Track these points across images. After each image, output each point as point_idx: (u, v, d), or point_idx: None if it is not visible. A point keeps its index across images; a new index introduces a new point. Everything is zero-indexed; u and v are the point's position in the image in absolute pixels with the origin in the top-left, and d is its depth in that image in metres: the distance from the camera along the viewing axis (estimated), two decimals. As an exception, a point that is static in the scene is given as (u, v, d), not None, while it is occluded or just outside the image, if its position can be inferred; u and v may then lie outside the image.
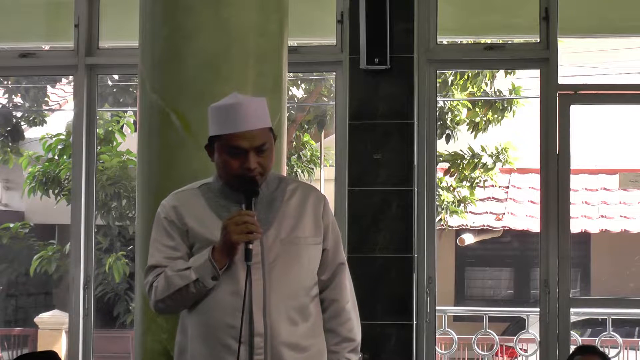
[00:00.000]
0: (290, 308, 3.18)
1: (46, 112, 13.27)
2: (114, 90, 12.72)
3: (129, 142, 11.64)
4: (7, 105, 13.10)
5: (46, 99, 13.31)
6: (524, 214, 13.47)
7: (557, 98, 5.72)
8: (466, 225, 13.15)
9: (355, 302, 3.38)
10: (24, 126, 13.07)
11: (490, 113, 11.59)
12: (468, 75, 11.23)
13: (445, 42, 6.17)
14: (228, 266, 3.14)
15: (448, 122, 11.50)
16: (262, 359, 3.13)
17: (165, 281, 3.17)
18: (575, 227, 12.20)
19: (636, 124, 12.33)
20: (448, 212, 12.04)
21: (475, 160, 11.82)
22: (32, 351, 3.79)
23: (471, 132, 11.61)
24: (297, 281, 3.21)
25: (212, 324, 3.15)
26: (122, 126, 12.02)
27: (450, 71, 10.85)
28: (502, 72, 11.13)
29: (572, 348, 5.86)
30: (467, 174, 11.91)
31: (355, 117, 5.73)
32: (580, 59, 11.42)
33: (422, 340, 5.67)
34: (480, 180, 12.12)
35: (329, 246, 3.31)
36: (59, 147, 11.63)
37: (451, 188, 12.02)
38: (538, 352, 6.55)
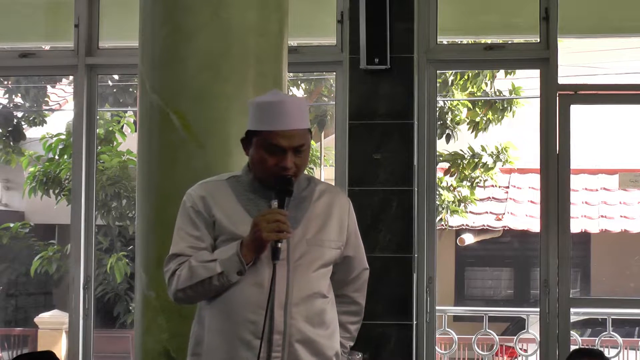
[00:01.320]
0: (310, 308, 3.20)
1: (46, 112, 13.26)
2: (114, 90, 12.72)
3: (129, 142, 11.64)
4: (7, 105, 13.09)
5: (46, 99, 13.30)
6: (524, 214, 13.46)
7: (557, 98, 5.72)
8: (466, 225, 13.16)
9: None
10: (24, 126, 13.07)
11: (490, 113, 11.60)
12: (468, 75, 11.23)
13: (445, 42, 6.17)
14: (253, 262, 3.14)
15: (448, 122, 11.50)
16: (279, 356, 3.14)
17: (189, 271, 3.14)
18: (575, 227, 12.20)
19: (636, 124, 12.33)
20: (449, 211, 12.04)
21: (476, 160, 11.82)
22: (31, 351, 3.77)
23: (471, 132, 11.61)
24: (317, 282, 3.24)
25: (233, 318, 3.14)
26: (122, 126, 12.02)
27: (450, 71, 10.86)
28: (502, 72, 11.13)
29: (572, 348, 5.87)
30: (467, 173, 11.91)
31: (355, 117, 5.73)
32: (580, 59, 11.41)
33: (422, 340, 5.67)
34: (481, 180, 12.12)
35: (352, 253, 3.37)
36: (60, 147, 11.63)
37: (451, 188, 12.02)
38: (538, 352, 6.55)
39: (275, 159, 3.15)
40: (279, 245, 3.09)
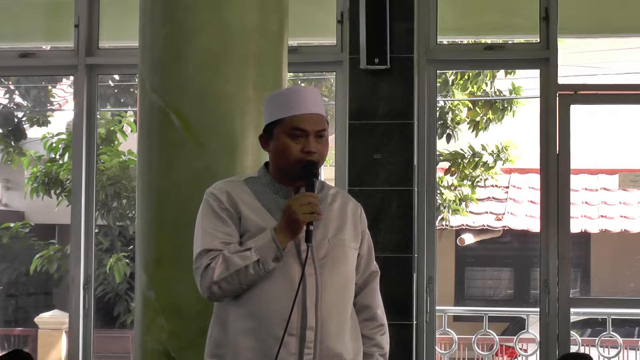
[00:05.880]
0: (338, 306, 3.22)
1: (47, 112, 13.25)
2: (115, 90, 12.72)
3: (130, 142, 11.64)
4: (8, 105, 13.08)
5: (51, 98, 13.28)
6: (524, 214, 13.47)
7: (557, 98, 5.72)
8: (466, 225, 13.16)
9: (384, 310, 3.43)
10: (26, 126, 13.05)
11: (490, 113, 11.60)
12: (468, 75, 11.24)
13: (445, 42, 6.17)
14: (280, 260, 3.14)
15: (449, 121, 11.51)
16: (311, 352, 3.15)
17: (224, 262, 3.11)
18: (575, 227, 12.20)
19: (636, 124, 12.33)
20: (450, 211, 12.04)
21: (476, 159, 11.83)
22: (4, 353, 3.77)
23: (472, 132, 11.62)
24: (344, 282, 3.26)
25: (263, 316, 3.14)
26: (122, 126, 12.02)
27: (451, 71, 10.86)
28: (502, 72, 11.13)
29: (572, 348, 5.87)
30: (467, 172, 11.91)
31: (355, 117, 5.73)
32: (580, 59, 11.41)
33: (422, 340, 5.68)
34: (481, 179, 12.12)
35: (363, 252, 3.37)
36: (61, 146, 11.63)
37: (452, 187, 12.02)
38: (538, 352, 6.55)
39: (299, 145, 3.18)
40: (311, 227, 3.11)
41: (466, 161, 11.82)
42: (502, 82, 11.62)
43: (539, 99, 5.81)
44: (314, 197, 3.13)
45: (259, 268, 3.10)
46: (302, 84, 12.18)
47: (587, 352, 9.30)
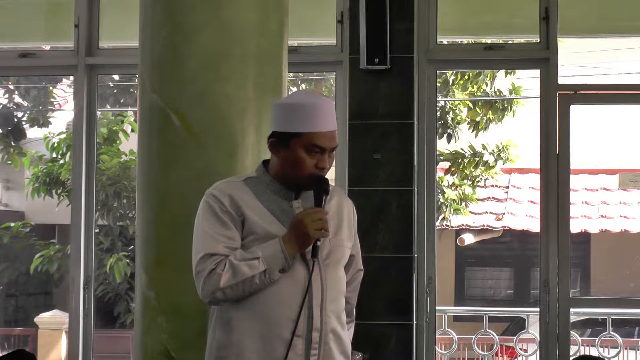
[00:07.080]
0: (338, 306, 3.27)
1: (48, 112, 13.23)
2: (115, 91, 12.71)
3: (132, 142, 11.63)
4: (7, 105, 13.07)
5: (52, 99, 13.26)
6: (524, 214, 13.47)
7: (557, 98, 5.72)
8: (466, 225, 13.16)
9: None
10: (25, 126, 13.04)
11: (490, 113, 11.60)
12: (469, 75, 11.24)
13: (445, 42, 6.17)
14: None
15: (449, 121, 11.51)
16: (316, 353, 3.18)
17: (232, 269, 3.12)
18: (575, 227, 12.20)
19: (636, 124, 12.33)
20: (452, 210, 12.03)
21: (476, 159, 11.83)
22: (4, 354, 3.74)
23: (472, 131, 11.62)
24: (342, 281, 3.32)
25: (271, 318, 3.15)
26: (124, 126, 12.01)
27: (451, 71, 10.86)
28: (502, 72, 11.14)
29: (572, 348, 5.87)
30: (468, 172, 11.91)
31: (355, 117, 5.73)
32: (580, 59, 11.41)
33: (422, 340, 5.68)
34: (482, 179, 12.13)
35: (356, 252, 3.43)
36: (63, 145, 11.62)
37: (453, 186, 12.02)
38: (538, 352, 6.56)
39: (313, 160, 3.20)
40: (318, 243, 3.15)
41: (466, 161, 11.83)
42: (502, 82, 11.63)
43: (539, 99, 5.81)
44: (324, 214, 3.15)
45: (264, 278, 3.13)
46: (303, 85, 12.19)
47: (587, 352, 9.31)
